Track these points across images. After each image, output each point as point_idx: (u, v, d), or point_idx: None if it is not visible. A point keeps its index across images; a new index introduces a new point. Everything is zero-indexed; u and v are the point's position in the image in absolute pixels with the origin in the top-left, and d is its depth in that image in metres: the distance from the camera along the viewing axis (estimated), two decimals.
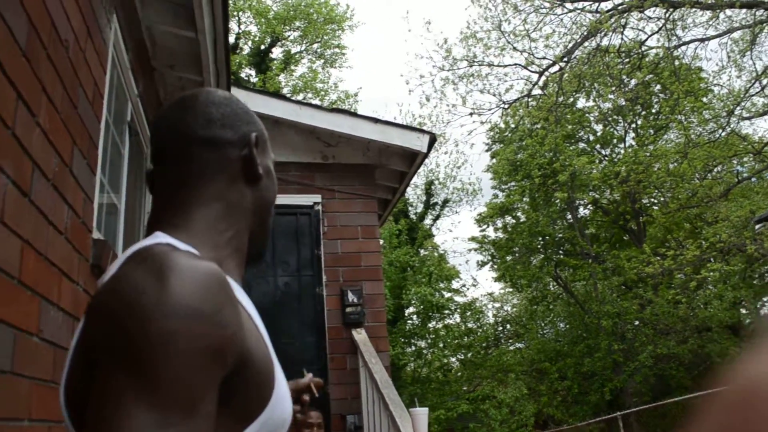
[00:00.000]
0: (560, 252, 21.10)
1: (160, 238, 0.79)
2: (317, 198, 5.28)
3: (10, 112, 1.66)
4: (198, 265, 0.68)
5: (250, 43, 19.93)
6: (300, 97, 19.89)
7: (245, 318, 0.74)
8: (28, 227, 1.79)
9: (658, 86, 18.36)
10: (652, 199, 19.44)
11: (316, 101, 19.90)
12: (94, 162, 2.58)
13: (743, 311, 18.23)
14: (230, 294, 0.70)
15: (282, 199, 5.12)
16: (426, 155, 5.38)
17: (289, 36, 20.41)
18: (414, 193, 22.31)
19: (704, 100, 18.24)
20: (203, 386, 0.62)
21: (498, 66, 15.15)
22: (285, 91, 19.50)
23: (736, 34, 15.71)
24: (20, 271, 1.72)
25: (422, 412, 3.48)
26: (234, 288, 0.73)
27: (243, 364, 0.69)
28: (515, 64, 14.60)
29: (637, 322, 17.44)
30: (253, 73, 19.19)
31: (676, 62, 13.61)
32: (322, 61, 21.38)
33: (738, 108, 15.00)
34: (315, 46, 21.04)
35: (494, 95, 15.46)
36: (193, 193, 0.86)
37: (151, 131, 0.95)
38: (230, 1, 18.58)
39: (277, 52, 20.26)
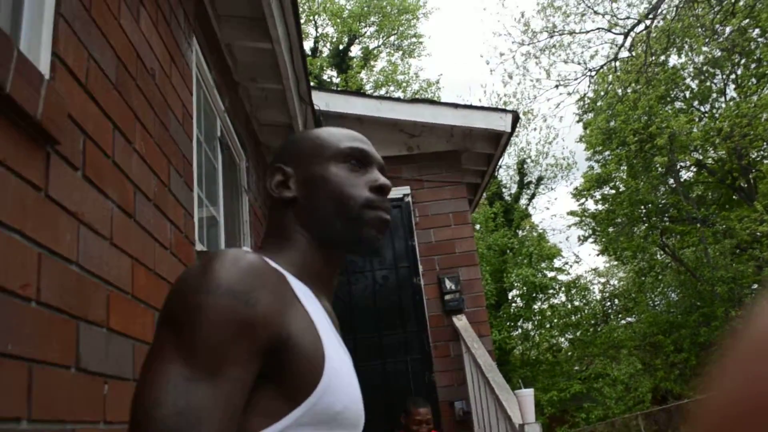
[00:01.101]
0: (665, 219, 20.18)
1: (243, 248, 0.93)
2: (406, 190, 5.34)
3: (109, 143, 1.80)
4: (242, 256, 0.82)
5: (328, 44, 20.27)
6: (383, 91, 20.06)
7: (296, 310, 0.84)
8: (136, 246, 1.93)
9: (757, 30, 17.18)
10: (762, 153, 18.24)
11: (399, 93, 19.99)
12: (191, 179, 2.74)
13: None
14: (268, 281, 0.82)
15: None
16: (511, 134, 5.32)
17: (365, 32, 20.60)
18: (507, 173, 22.01)
19: None
20: (230, 352, 0.74)
21: (580, 33, 14.71)
22: (367, 87, 19.70)
23: None
24: (132, 286, 1.87)
25: (528, 393, 3.47)
26: (298, 288, 0.88)
27: (283, 345, 0.79)
28: (598, 29, 14.12)
29: (755, 285, 16.46)
30: (334, 73, 19.51)
31: None
32: (401, 52, 21.43)
33: None
34: (392, 38, 21.13)
35: (579, 64, 15.03)
36: (265, 230, 1.06)
37: None
38: (305, 6, 18.95)
39: (355, 50, 20.50)
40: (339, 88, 16.54)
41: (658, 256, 20.51)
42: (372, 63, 20.68)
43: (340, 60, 19.44)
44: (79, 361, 1.50)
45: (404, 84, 20.73)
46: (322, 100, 4.95)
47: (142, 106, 2.13)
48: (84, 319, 1.54)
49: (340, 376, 0.85)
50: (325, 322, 0.90)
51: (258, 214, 4.49)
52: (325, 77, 19.12)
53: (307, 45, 19.16)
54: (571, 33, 14.76)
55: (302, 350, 0.81)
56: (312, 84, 4.45)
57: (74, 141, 1.59)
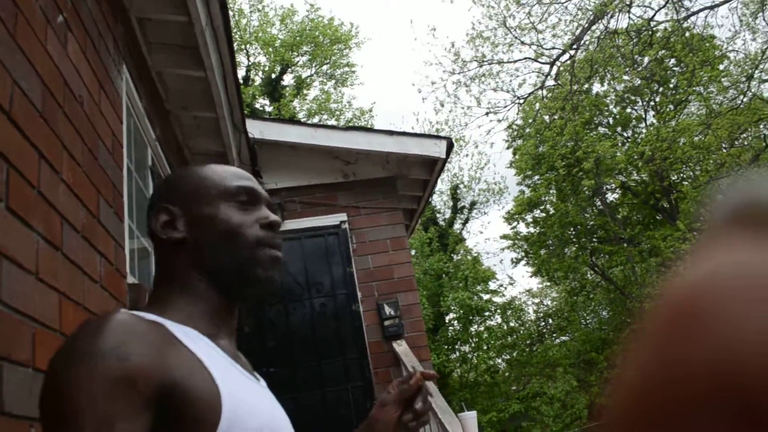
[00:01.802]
0: (594, 240, 20.85)
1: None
2: (343, 216, 5.32)
3: (34, 172, 1.72)
4: (106, 317, 0.80)
5: (260, 73, 20.18)
6: (316, 119, 20.05)
7: (179, 355, 0.82)
8: (63, 280, 1.85)
9: (672, 60, 18.14)
10: (681, 175, 19.15)
11: (332, 122, 20.05)
12: (121, 209, 2.65)
13: None
14: (138, 332, 0.79)
15: (308, 222, 5.18)
16: (446, 160, 5.40)
17: (298, 61, 20.62)
18: (440, 199, 22.29)
19: (721, 67, 17.97)
20: (115, 412, 0.72)
21: (508, 62, 15.15)
22: (300, 115, 19.66)
23: None
24: (60, 323, 1.78)
25: (471, 416, 3.48)
26: (180, 334, 0.85)
27: (171, 391, 0.77)
28: (525, 58, 14.57)
29: None
30: (267, 102, 19.41)
31: (687, 34, 13.45)
32: (333, 81, 21.55)
33: (757, 71, 14.75)
34: (324, 67, 21.22)
35: (508, 92, 15.44)
36: (155, 276, 1.02)
37: None
38: (237, 36, 18.85)
39: (288, 79, 20.48)
40: (272, 116, 16.47)
41: (589, 275, 21.12)
42: (305, 91, 20.70)
43: (273, 89, 19.38)
44: (3, 405, 1.42)
45: (337, 112, 20.83)
46: (256, 129, 4.91)
47: (69, 135, 2.05)
48: (8, 359, 1.46)
49: (244, 405, 0.84)
50: (219, 358, 0.89)
51: None
52: (257, 105, 19.00)
53: (239, 74, 19.02)
54: (500, 62, 15.20)
55: (194, 392, 0.79)
56: (245, 112, 4.41)
57: None
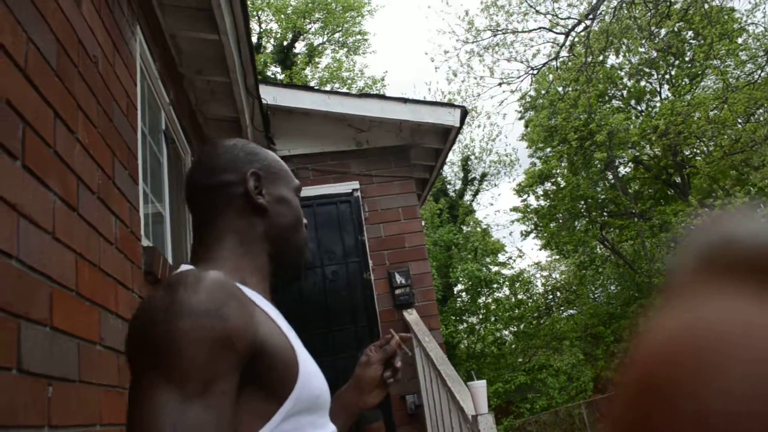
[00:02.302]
0: (604, 214, 20.74)
1: (182, 268, 0.99)
2: (355, 185, 5.30)
3: (50, 132, 1.70)
4: (201, 275, 0.84)
5: (272, 40, 20.02)
6: (327, 88, 19.92)
7: (260, 315, 0.89)
8: (79, 240, 1.84)
9: (690, 33, 17.83)
10: (695, 150, 18.95)
11: (344, 90, 19.91)
12: (136, 172, 2.64)
13: None
14: (234, 294, 0.84)
15: (321, 189, 5.15)
16: (459, 129, 5.34)
17: (310, 29, 20.43)
18: (451, 170, 22.21)
19: (739, 41, 17.66)
20: (215, 369, 0.77)
21: (522, 32, 14.91)
22: (312, 83, 19.54)
23: None
24: (77, 283, 1.78)
25: (480, 385, 3.48)
26: (251, 295, 0.92)
27: (260, 350, 0.84)
28: (540, 28, 14.32)
29: None
30: (278, 70, 19.28)
31: (706, 5, 13.18)
32: (346, 49, 21.36)
33: None
34: (337, 35, 21.03)
35: (522, 62, 15.27)
36: (210, 230, 1.06)
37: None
38: (249, 1, 18.67)
39: (300, 47, 20.32)
40: (283, 82, 16.39)
41: (598, 249, 21.08)
42: (317, 59, 20.54)
43: (284, 56, 19.23)
44: (21, 362, 1.41)
45: (349, 81, 20.69)
46: (269, 94, 4.86)
47: (84, 95, 2.03)
48: (25, 317, 1.45)
49: (309, 366, 0.94)
50: (283, 321, 0.97)
51: None
52: (269, 73, 18.88)
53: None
54: (514, 32, 14.97)
55: (277, 351, 0.87)
56: (258, 79, 4.37)
57: (13, 129, 1.49)
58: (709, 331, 0.21)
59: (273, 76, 18.93)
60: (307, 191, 5.08)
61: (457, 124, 5.22)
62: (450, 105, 5.35)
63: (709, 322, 0.22)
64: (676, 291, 0.24)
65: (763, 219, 0.24)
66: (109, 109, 2.30)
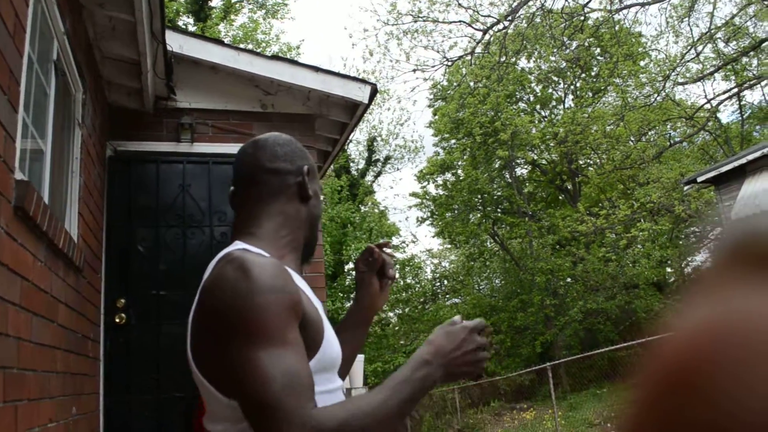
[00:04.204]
0: (498, 210, 21.49)
1: (238, 245, 1.22)
2: None
3: None
4: (266, 261, 1.11)
5: None
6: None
7: (301, 291, 1.15)
8: None
9: (598, 49, 18.66)
10: (588, 160, 19.95)
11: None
12: (16, 99, 2.45)
13: (669, 270, 19.08)
14: (289, 274, 1.12)
15: (219, 148, 5.01)
16: (367, 106, 5.33)
17: None
18: (356, 149, 22.24)
19: (641, 64, 18.66)
20: (290, 329, 1.05)
21: (443, 22, 15.09)
22: (225, 41, 18.89)
23: (676, 0, 16.04)
24: None
25: (357, 359, 3.53)
26: (292, 274, 1.15)
27: (305, 316, 1.11)
28: (460, 21, 14.57)
29: (569, 279, 18.04)
30: (191, 21, 18.52)
31: (617, 26, 13.82)
32: (264, 11, 20.81)
33: (673, 73, 15.40)
34: None
35: (438, 52, 15.46)
36: (262, 208, 1.28)
37: (234, 163, 1.36)
38: None
39: (216, 0, 19.58)
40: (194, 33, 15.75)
41: (488, 243, 21.82)
42: (232, 17, 19.89)
43: (199, 8, 18.49)
44: None
45: (263, 44, 20.18)
46: (175, 42, 4.65)
47: None
48: None
49: (329, 332, 1.20)
50: (311, 292, 1.22)
51: (91, 151, 4.15)
52: (180, 23, 18.10)
53: None
54: (435, 21, 15.12)
55: (312, 318, 1.14)
56: (166, 23, 4.16)
57: None
58: (741, 323, 0.21)
59: (184, 27, 18.15)
60: (204, 148, 4.92)
61: (366, 101, 5.21)
62: (361, 81, 5.33)
63: (740, 314, 0.21)
64: (706, 285, 0.24)
65: None
66: None
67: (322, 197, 1.39)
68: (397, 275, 1.58)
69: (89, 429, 3.73)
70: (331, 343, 1.17)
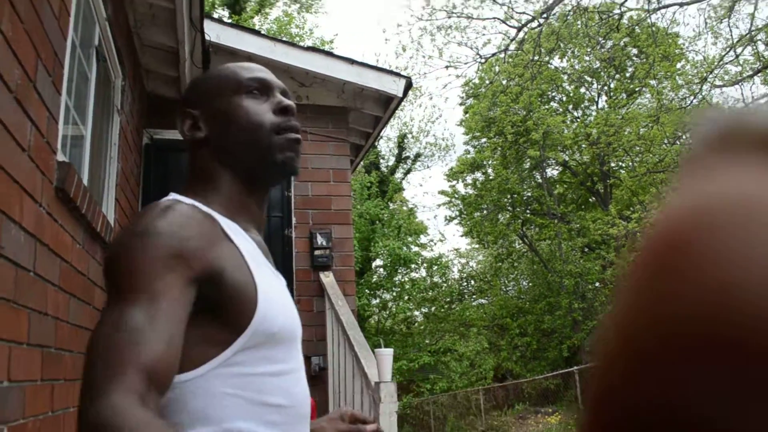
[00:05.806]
0: (527, 210, 21.30)
1: (170, 195, 1.03)
2: None
3: None
4: (171, 204, 0.93)
5: None
6: None
7: (226, 247, 0.94)
8: None
9: (634, 50, 18.38)
10: (620, 163, 19.66)
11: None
12: (60, 82, 2.48)
13: None
14: (197, 220, 0.93)
15: None
16: (401, 100, 5.31)
17: None
18: (386, 146, 22.22)
19: (678, 66, 18.33)
20: (165, 279, 0.84)
21: (477, 19, 14.98)
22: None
23: (715, 0, 15.72)
24: None
25: (387, 353, 3.50)
26: (228, 227, 0.98)
27: (217, 278, 0.90)
28: (494, 18, 14.41)
29: (597, 283, 17.81)
30: (226, 13, 18.65)
31: (654, 27, 13.58)
32: (298, 5, 20.88)
33: (711, 76, 15.08)
34: None
35: (471, 48, 15.33)
36: (189, 173, 1.09)
37: None
38: None
39: None
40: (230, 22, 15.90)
41: (517, 244, 21.64)
42: (267, 10, 20.00)
43: (234, 0, 18.63)
44: None
45: (297, 38, 20.22)
46: (213, 31, 4.68)
47: None
48: None
49: (272, 301, 0.96)
50: (256, 254, 1.00)
51: (128, 138, 4.19)
52: (215, 15, 18.23)
53: None
54: (469, 17, 15.02)
55: (236, 284, 0.92)
56: (204, 12, 4.18)
57: None
58: (731, 197, 0.20)
59: (220, 19, 18.30)
60: None
61: (400, 94, 5.19)
62: (396, 74, 5.30)
63: (730, 189, 0.21)
64: (692, 167, 0.23)
65: None
66: (40, 8, 2.15)
67: (241, 103, 1.06)
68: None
69: None
70: (269, 315, 0.93)
